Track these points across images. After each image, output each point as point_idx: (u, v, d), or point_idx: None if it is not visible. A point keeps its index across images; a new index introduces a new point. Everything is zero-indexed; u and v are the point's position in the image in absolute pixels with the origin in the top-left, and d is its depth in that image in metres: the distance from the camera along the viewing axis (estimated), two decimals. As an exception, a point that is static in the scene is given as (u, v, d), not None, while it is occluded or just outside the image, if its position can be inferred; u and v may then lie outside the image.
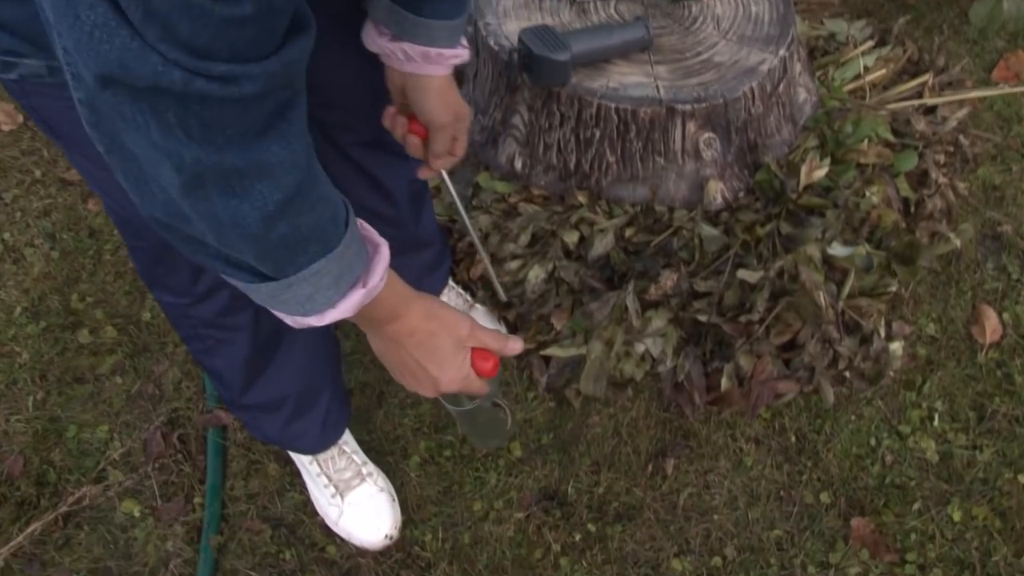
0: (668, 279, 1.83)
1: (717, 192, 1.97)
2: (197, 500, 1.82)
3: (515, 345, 1.12)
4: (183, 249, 0.83)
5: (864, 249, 1.95)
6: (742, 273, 1.85)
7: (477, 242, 1.74)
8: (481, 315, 2.01)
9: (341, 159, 1.51)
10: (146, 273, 1.35)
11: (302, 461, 1.81)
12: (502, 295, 1.92)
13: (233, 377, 1.51)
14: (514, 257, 1.95)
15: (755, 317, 1.80)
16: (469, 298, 2.03)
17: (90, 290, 2.13)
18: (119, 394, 1.96)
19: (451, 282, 2.01)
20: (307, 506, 1.82)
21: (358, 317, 0.95)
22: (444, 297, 1.99)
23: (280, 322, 0.94)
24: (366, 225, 0.95)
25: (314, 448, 1.75)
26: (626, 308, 1.85)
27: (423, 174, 1.42)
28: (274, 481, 1.84)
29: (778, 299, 1.86)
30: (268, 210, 0.76)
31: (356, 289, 0.91)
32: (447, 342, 1.05)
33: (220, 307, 1.36)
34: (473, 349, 1.09)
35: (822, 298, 1.79)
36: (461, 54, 1.28)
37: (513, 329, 2.02)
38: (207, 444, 1.88)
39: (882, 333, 1.95)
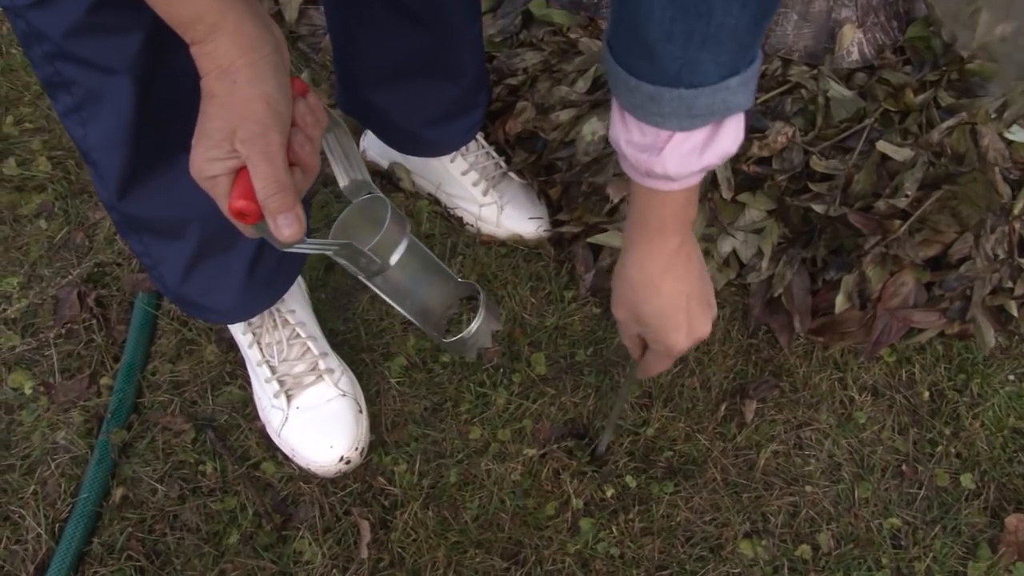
0: (781, 134, 1.22)
1: (854, 42, 1.34)
2: (105, 381, 1.29)
3: (285, 221, 0.69)
4: None
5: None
6: (884, 146, 1.23)
7: None
8: (517, 188, 1.44)
9: None
10: None
11: (241, 342, 1.27)
12: None
13: (109, 161, 0.97)
14: (566, 106, 1.37)
15: (901, 203, 1.19)
16: (503, 163, 1.46)
17: (31, 115, 1.60)
18: (39, 241, 1.44)
19: (481, 139, 1.45)
20: (248, 407, 1.28)
21: None
22: (471, 157, 1.42)
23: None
24: None
25: (236, 310, 1.19)
26: (713, 181, 1.26)
27: None
28: (210, 368, 1.31)
29: (931, 191, 1.25)
30: None
31: None
32: (220, 110, 0.67)
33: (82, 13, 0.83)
34: (243, 170, 0.69)
35: (1000, 183, 1.17)
36: None
37: (556, 207, 1.44)
38: (133, 312, 1.36)
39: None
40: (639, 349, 0.96)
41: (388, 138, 1.39)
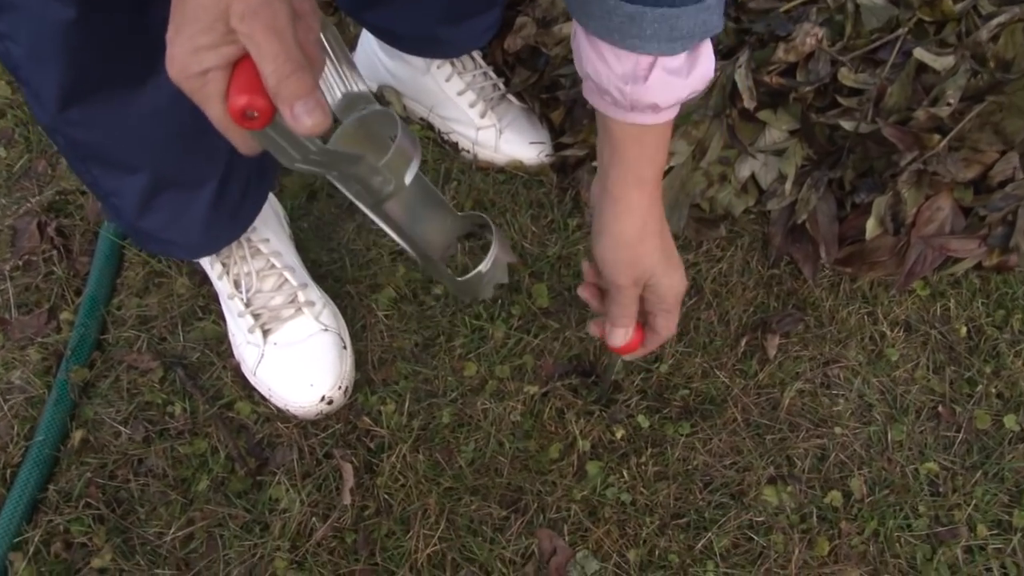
0: (809, 35, 1.08)
1: (888, -55, 1.21)
2: (65, 316, 1.16)
3: (305, 107, 0.53)
4: None
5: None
6: (922, 53, 1.09)
7: None
8: (517, 111, 1.30)
9: None
10: None
11: (211, 274, 1.13)
12: None
13: (41, 79, 0.81)
14: (570, 18, 1.23)
15: (943, 112, 1.05)
16: (501, 84, 1.32)
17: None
18: (-1, 169, 1.31)
19: (478, 58, 1.31)
20: (223, 344, 1.14)
21: None
22: (468, 76, 1.28)
23: None
24: None
25: (201, 245, 1.06)
26: (733, 91, 1.12)
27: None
28: (181, 302, 1.17)
29: (972, 104, 1.11)
30: None
31: None
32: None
33: None
34: (242, 60, 0.53)
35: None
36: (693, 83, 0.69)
37: (559, 129, 1.30)
38: (97, 243, 1.22)
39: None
40: (635, 319, 0.86)
41: (392, 37, 1.23)
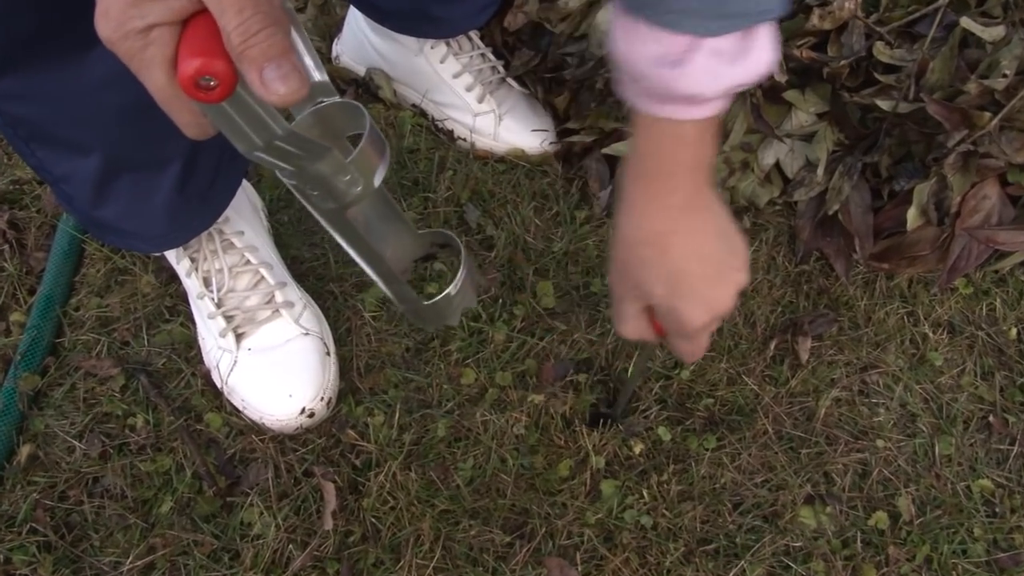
0: (849, 0, 0.96)
1: (924, -88, 1.09)
2: (16, 318, 1.02)
3: (277, 72, 0.42)
4: None
5: None
6: (969, 23, 0.97)
7: None
8: (517, 96, 1.18)
9: None
10: None
11: (179, 271, 0.99)
12: None
13: None
14: (576, -12, 1.11)
15: (999, 84, 0.93)
16: (500, 67, 1.19)
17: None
18: (-50, 158, 1.18)
19: (476, 38, 1.18)
20: (191, 349, 1.01)
21: None
22: (465, 58, 1.15)
23: None
24: None
25: (165, 236, 0.92)
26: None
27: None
28: (146, 303, 1.03)
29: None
30: None
31: None
32: None
33: None
34: (194, 17, 0.43)
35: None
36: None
37: (564, 116, 1.18)
38: (55, 237, 1.09)
39: None
40: (646, 329, 0.70)
41: (382, 14, 1.10)
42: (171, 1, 0.41)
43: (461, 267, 0.66)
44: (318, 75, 0.53)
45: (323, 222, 0.57)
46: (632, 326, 0.70)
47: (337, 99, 0.54)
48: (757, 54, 0.53)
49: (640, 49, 0.54)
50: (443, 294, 0.65)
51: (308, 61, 0.53)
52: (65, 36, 0.71)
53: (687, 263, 0.64)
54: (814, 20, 0.97)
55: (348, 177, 0.52)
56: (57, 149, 0.80)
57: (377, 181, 0.54)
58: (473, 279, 0.68)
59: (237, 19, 0.41)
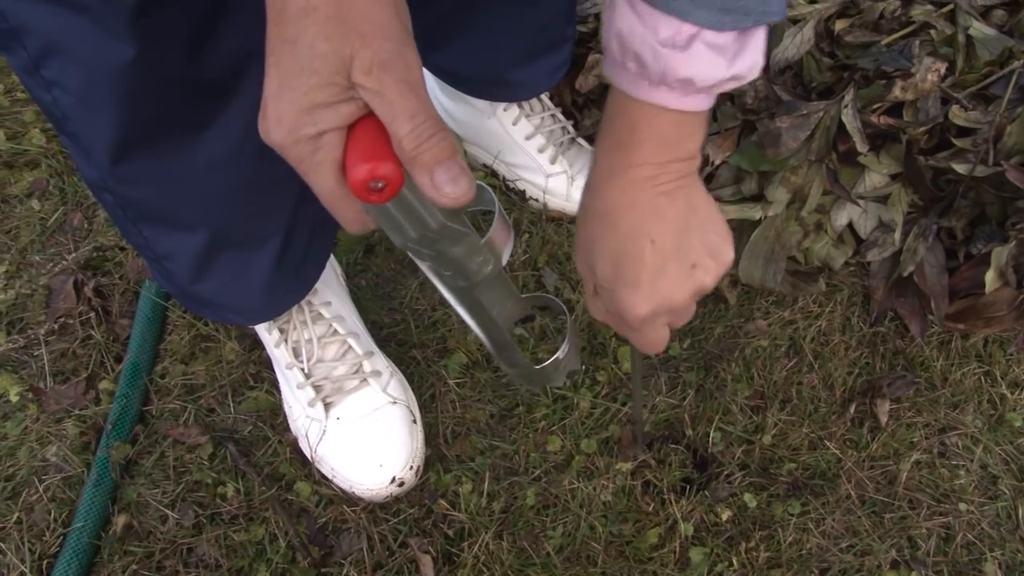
0: (931, 71, 0.95)
1: (993, -26, 1.09)
2: (105, 386, 1.03)
3: (447, 175, 0.44)
4: None
5: None
6: (1049, 91, 0.98)
7: None
8: (588, 156, 1.18)
9: None
10: None
11: (267, 341, 1.00)
12: None
13: (92, 131, 0.68)
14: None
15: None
16: (571, 127, 1.19)
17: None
18: (31, 223, 1.17)
19: (546, 99, 1.18)
20: (277, 416, 1.01)
21: None
22: (536, 119, 1.15)
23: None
24: None
25: (260, 310, 0.93)
26: (839, 134, 0.99)
27: None
28: (231, 370, 1.04)
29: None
30: None
31: None
32: (327, 27, 0.42)
33: None
34: (360, 121, 0.44)
35: None
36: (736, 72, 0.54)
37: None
38: (138, 304, 1.09)
39: None
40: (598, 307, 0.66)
41: (458, 79, 1.10)
42: (341, 107, 0.42)
43: (567, 331, 0.67)
44: None
45: (450, 299, 0.58)
46: (595, 307, 0.65)
47: None
48: (751, 55, 0.53)
49: (646, 28, 0.52)
50: (552, 359, 0.66)
51: None
52: (182, 122, 0.71)
53: (635, 245, 0.58)
54: (896, 92, 0.96)
55: (481, 258, 0.53)
56: (164, 227, 0.81)
57: (505, 259, 0.55)
58: (575, 344, 0.68)
59: (409, 124, 0.42)
